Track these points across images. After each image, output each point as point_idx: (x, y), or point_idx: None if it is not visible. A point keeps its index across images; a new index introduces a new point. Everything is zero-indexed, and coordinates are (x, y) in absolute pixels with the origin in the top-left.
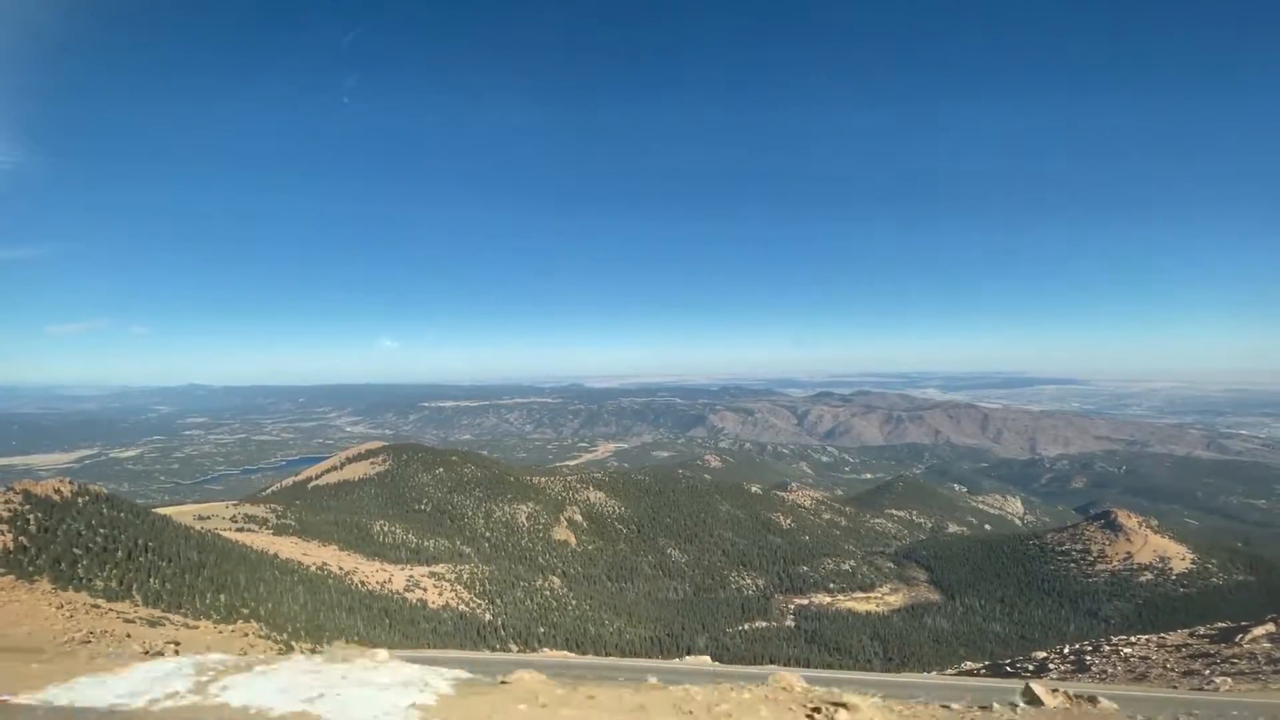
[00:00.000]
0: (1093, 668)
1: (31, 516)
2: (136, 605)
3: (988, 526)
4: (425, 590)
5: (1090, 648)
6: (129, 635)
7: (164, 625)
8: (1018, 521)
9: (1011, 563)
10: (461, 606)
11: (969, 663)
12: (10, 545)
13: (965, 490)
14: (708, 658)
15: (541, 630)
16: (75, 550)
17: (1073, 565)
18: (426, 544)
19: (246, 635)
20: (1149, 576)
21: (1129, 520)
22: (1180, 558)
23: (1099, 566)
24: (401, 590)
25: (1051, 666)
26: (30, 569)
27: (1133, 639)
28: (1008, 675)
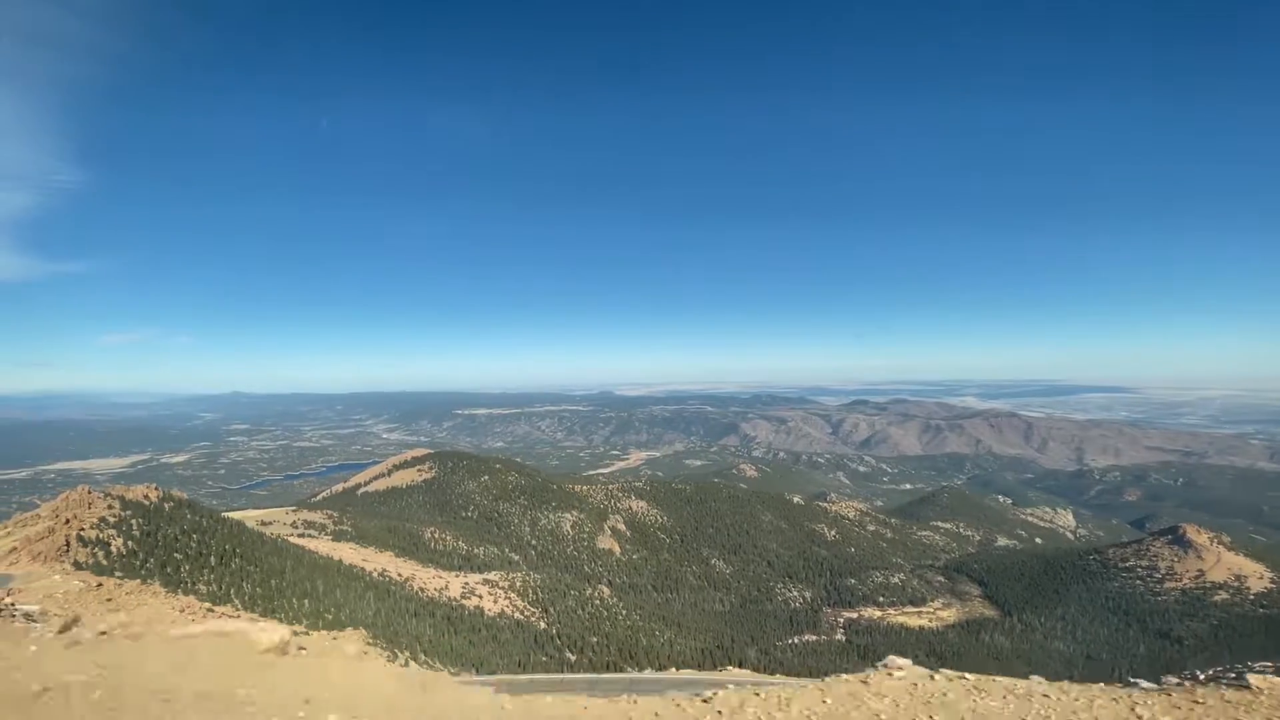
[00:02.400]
0: None
1: (134, 521)
2: (238, 610)
3: (1039, 540)
4: (480, 598)
5: (1233, 674)
6: None
7: None
8: (1070, 535)
9: (1071, 579)
10: (516, 615)
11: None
12: (122, 549)
13: (1011, 502)
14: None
15: (594, 640)
16: (176, 555)
17: (1139, 582)
18: (476, 551)
19: (358, 643)
20: (1224, 596)
21: (1199, 536)
22: (1258, 576)
23: (1168, 584)
24: (458, 597)
25: None
26: (142, 572)
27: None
28: None
